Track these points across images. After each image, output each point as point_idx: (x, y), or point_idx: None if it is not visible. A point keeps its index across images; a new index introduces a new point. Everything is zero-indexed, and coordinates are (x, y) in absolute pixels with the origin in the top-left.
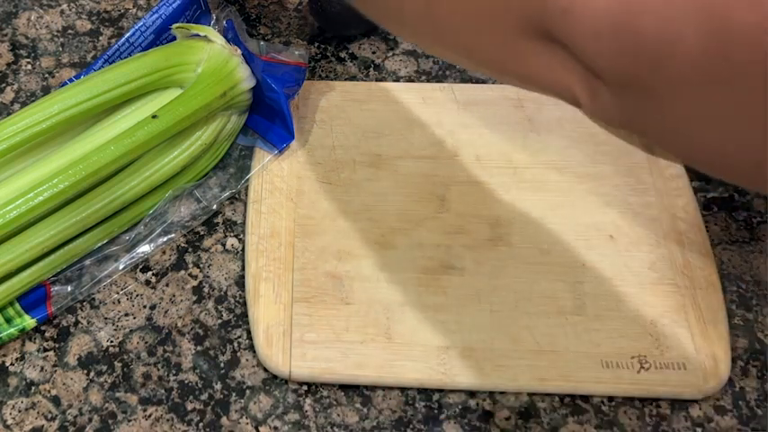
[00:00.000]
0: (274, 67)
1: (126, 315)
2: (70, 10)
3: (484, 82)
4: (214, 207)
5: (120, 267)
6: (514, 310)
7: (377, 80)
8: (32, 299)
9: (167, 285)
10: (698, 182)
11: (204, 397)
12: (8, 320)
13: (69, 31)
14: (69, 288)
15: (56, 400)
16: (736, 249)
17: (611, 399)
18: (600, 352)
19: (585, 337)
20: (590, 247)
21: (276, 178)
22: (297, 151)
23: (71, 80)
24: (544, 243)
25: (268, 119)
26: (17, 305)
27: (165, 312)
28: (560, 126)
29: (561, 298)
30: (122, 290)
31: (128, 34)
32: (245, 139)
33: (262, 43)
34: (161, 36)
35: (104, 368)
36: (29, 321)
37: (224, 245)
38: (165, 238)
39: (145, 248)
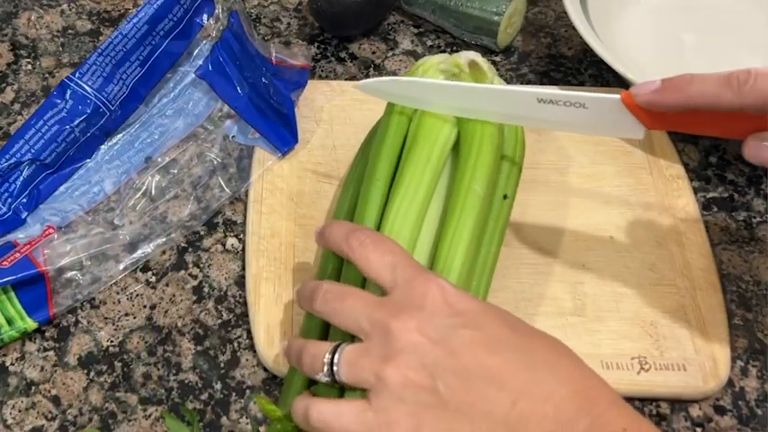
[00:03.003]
0: (283, 71)
1: (126, 315)
2: (70, 10)
3: None
4: (214, 207)
5: (121, 268)
6: (515, 311)
7: None
8: (34, 298)
9: (167, 285)
10: (698, 182)
11: (204, 397)
12: (9, 321)
13: (69, 32)
14: (70, 290)
15: (56, 400)
16: (736, 249)
17: None
18: (600, 353)
19: (586, 338)
20: (590, 247)
21: (277, 178)
22: (297, 151)
23: (70, 78)
24: (544, 244)
25: (273, 121)
26: (18, 305)
27: (166, 312)
28: None
29: (561, 299)
30: (122, 290)
31: (120, 27)
32: (245, 139)
33: (272, 45)
34: (155, 27)
35: (104, 368)
36: (30, 324)
37: (224, 245)
38: (165, 239)
39: (145, 249)
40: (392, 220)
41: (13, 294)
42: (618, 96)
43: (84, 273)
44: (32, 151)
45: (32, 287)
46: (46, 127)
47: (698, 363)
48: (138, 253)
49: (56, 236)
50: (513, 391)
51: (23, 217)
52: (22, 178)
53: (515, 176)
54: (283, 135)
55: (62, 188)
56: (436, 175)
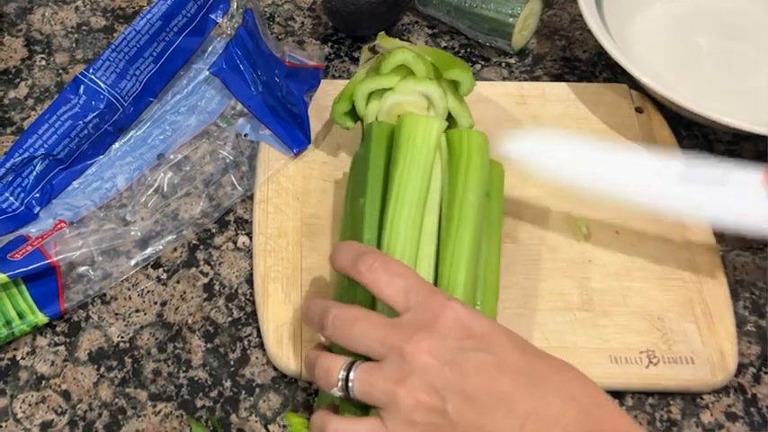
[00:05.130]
0: (296, 72)
1: (137, 311)
2: (85, 6)
3: (488, 79)
4: (226, 205)
5: (132, 264)
6: (523, 307)
7: None
8: (45, 292)
9: (178, 282)
10: None
11: (214, 394)
12: (20, 315)
13: (84, 28)
14: (81, 285)
15: (66, 395)
16: (750, 256)
17: (621, 402)
18: (608, 347)
19: (594, 333)
20: (596, 243)
21: (282, 178)
22: (303, 151)
23: (84, 74)
24: (550, 240)
25: (285, 121)
26: (30, 299)
27: (176, 309)
28: (563, 122)
29: (569, 294)
30: (133, 286)
31: (134, 23)
32: (256, 135)
33: (286, 47)
34: (168, 23)
35: (115, 364)
36: (41, 318)
37: (235, 242)
38: (176, 236)
39: (156, 245)
40: (389, 234)
41: (24, 288)
42: (759, 175)
43: (96, 268)
44: (45, 146)
45: (44, 281)
46: (59, 122)
47: (705, 355)
48: (150, 249)
49: (67, 230)
50: (522, 413)
51: (36, 212)
52: (35, 173)
53: (496, 173)
54: (296, 135)
55: (75, 183)
56: (426, 180)
